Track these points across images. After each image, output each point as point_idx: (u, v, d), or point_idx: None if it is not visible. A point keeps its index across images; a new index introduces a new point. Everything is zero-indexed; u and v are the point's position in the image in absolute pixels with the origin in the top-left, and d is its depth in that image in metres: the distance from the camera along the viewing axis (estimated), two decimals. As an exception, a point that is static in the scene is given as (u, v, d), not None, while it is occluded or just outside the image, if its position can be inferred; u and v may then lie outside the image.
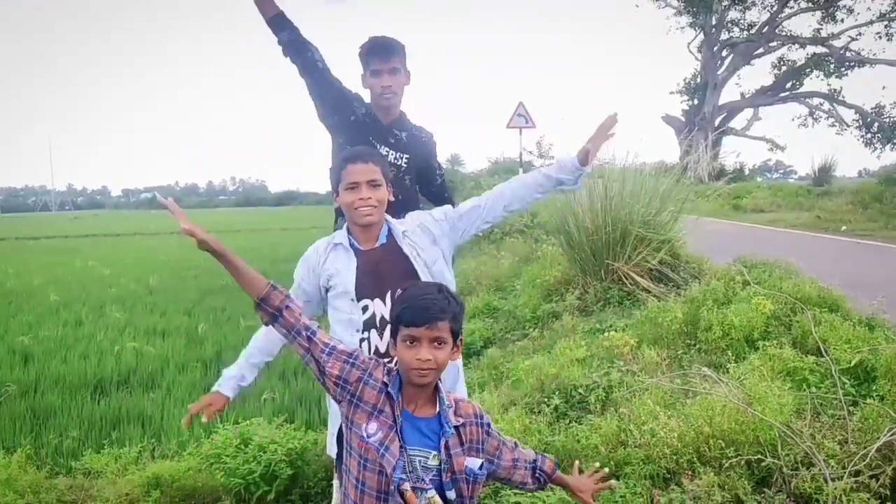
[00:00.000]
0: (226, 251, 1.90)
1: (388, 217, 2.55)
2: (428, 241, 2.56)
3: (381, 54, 3.07)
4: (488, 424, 2.02)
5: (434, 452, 1.87)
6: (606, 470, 2.25)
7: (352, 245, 2.50)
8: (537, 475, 2.15)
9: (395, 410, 1.86)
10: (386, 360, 2.39)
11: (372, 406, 1.88)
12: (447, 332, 1.85)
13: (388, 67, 3.07)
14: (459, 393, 2.62)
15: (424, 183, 3.43)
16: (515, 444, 2.14)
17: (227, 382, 2.64)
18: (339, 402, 1.94)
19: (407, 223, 2.59)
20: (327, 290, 2.55)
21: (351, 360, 1.92)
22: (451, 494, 1.88)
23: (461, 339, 1.94)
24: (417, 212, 2.71)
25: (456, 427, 1.91)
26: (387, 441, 1.83)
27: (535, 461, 2.16)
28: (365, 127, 3.16)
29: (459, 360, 2.73)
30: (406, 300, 1.89)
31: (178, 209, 1.93)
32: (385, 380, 1.90)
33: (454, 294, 1.94)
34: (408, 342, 1.84)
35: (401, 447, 1.84)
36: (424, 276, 2.47)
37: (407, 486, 1.82)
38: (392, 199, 2.51)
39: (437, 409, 1.91)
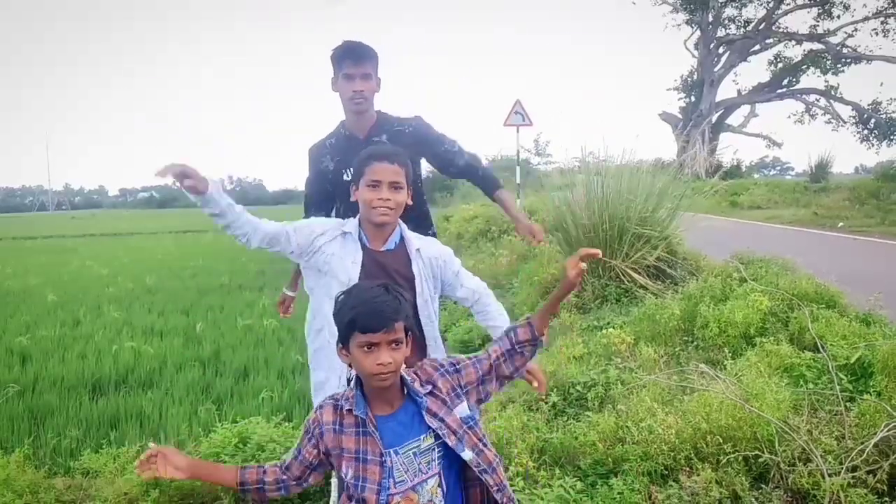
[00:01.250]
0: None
1: (403, 225, 2.55)
2: (430, 274, 2.57)
3: (355, 59, 3.03)
4: (451, 364, 1.97)
5: (423, 435, 1.84)
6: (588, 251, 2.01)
7: (361, 239, 2.49)
8: (519, 350, 2.01)
9: (368, 424, 1.83)
10: None
11: (338, 449, 1.86)
12: (402, 332, 1.82)
13: (360, 72, 3.03)
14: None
15: (443, 167, 3.39)
16: (487, 354, 2.03)
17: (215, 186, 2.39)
18: (333, 467, 1.94)
19: (424, 246, 2.58)
20: (316, 265, 2.53)
21: (309, 435, 1.92)
22: (468, 454, 1.84)
23: (412, 334, 1.90)
24: (440, 245, 2.69)
25: (429, 393, 1.88)
26: (360, 473, 1.82)
27: (508, 337, 2.02)
28: (345, 153, 3.13)
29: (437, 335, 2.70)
30: (356, 304, 1.82)
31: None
32: (342, 410, 1.88)
33: (401, 290, 1.90)
34: (365, 348, 1.79)
35: (381, 462, 1.80)
36: (423, 299, 2.49)
37: (397, 499, 1.81)
38: (410, 202, 2.50)
39: (405, 392, 1.89)
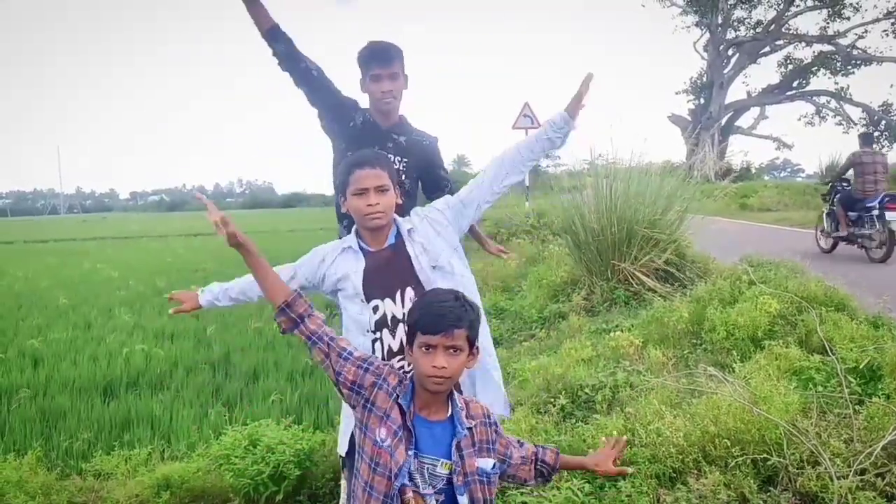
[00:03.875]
0: (253, 249, 1.99)
1: (397, 217, 2.57)
2: (433, 233, 2.58)
3: (382, 59, 3.08)
4: (496, 424, 2.03)
5: (443, 461, 1.88)
6: (624, 438, 2.30)
7: (360, 247, 2.52)
8: (539, 467, 2.15)
9: (407, 419, 1.88)
10: (398, 357, 2.43)
11: (383, 411, 1.90)
12: (463, 340, 1.86)
13: (388, 72, 3.09)
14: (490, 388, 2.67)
15: (431, 190, 3.44)
16: (520, 441, 2.15)
17: (206, 294, 2.71)
18: (353, 406, 1.98)
19: (413, 220, 2.61)
20: (336, 292, 2.56)
21: (365, 366, 1.95)
22: (464, 500, 1.88)
23: (477, 347, 1.94)
24: (419, 207, 2.72)
25: (468, 428, 1.92)
26: (392, 443, 1.86)
27: (535, 454, 2.15)
28: (364, 132, 3.19)
29: (492, 362, 2.74)
30: (423, 307, 1.91)
31: (213, 205, 2.04)
32: (397, 387, 1.93)
33: (471, 301, 1.95)
34: (423, 349, 1.85)
35: (408, 452, 1.86)
36: (424, 278, 2.48)
37: (409, 492, 1.84)
38: (399, 201, 2.53)
39: (450, 412, 1.93)
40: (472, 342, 1.90)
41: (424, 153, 3.31)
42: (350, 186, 2.42)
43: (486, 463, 1.94)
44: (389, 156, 3.13)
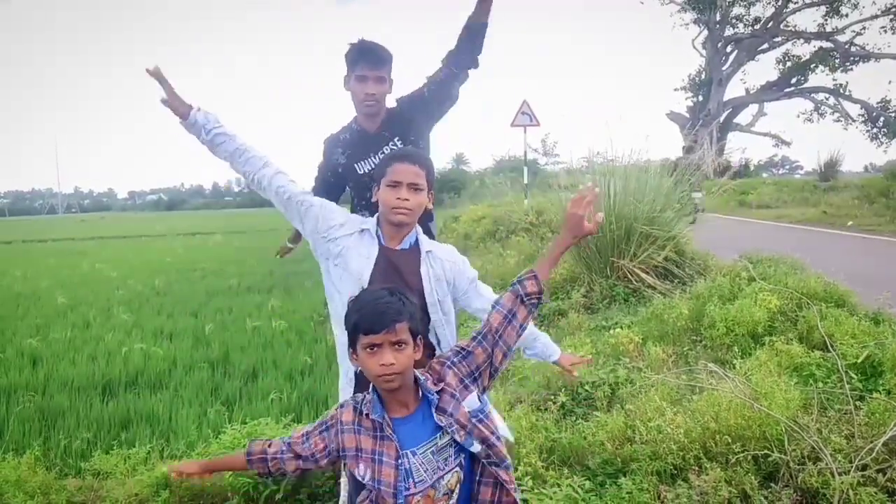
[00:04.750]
0: None
1: (420, 229, 2.54)
2: (442, 276, 2.54)
3: (371, 61, 2.99)
4: (457, 353, 1.97)
5: (439, 434, 1.87)
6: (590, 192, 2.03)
7: (378, 236, 2.49)
8: (524, 302, 1.97)
9: (386, 429, 1.86)
10: None
11: (354, 450, 1.89)
12: (406, 333, 1.83)
13: (374, 75, 2.99)
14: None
15: (442, 84, 3.16)
16: (479, 335, 1.99)
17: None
18: (345, 466, 1.98)
19: (437, 249, 2.57)
20: (329, 258, 2.54)
21: (324, 427, 1.96)
22: (476, 447, 1.87)
23: (421, 338, 1.91)
24: (456, 253, 2.65)
25: (439, 391, 1.90)
26: (376, 475, 1.84)
27: (512, 304, 1.97)
28: (356, 154, 3.14)
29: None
30: (360, 308, 1.86)
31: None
32: (362, 413, 1.90)
33: (407, 294, 1.92)
34: (369, 350, 1.82)
35: (398, 469, 1.84)
36: (431, 300, 2.46)
37: (417, 498, 1.83)
38: (431, 206, 2.49)
39: (421, 394, 1.91)
40: (415, 334, 1.87)
41: (408, 104, 3.15)
42: (385, 177, 2.39)
43: (472, 401, 1.91)
44: (390, 150, 3.08)
